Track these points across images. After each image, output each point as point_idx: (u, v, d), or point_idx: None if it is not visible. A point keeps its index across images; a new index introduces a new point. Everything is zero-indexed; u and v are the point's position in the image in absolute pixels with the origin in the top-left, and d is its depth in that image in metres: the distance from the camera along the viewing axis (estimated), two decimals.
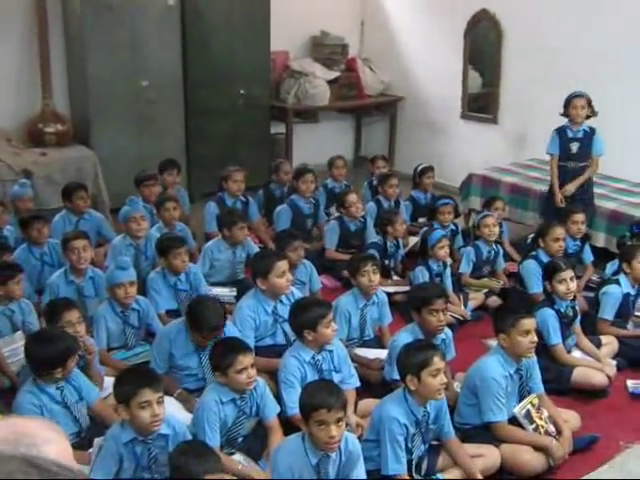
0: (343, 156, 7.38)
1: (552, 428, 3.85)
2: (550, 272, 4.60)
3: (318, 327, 3.80)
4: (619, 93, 6.87)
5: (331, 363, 3.94)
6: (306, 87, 8.50)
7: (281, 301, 4.47)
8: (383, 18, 9.18)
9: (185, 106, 7.77)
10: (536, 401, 3.90)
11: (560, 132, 6.23)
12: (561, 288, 4.53)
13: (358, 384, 4.10)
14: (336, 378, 3.87)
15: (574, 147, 6.20)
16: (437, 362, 3.36)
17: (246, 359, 3.43)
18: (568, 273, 4.55)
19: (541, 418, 3.86)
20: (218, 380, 3.48)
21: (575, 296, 4.72)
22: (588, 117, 6.11)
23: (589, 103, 6.06)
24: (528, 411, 3.84)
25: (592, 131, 6.14)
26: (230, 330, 4.13)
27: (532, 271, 5.35)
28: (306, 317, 3.84)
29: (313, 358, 3.86)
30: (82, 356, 3.96)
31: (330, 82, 8.74)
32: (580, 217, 5.77)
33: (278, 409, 3.72)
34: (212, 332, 3.93)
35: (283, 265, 4.39)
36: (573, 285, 4.58)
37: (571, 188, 6.17)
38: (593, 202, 6.31)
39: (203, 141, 7.90)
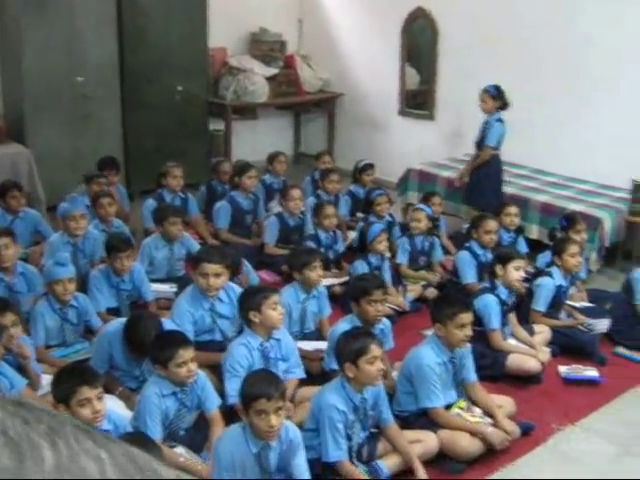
0: (284, 152, 7.44)
1: (488, 420, 3.95)
2: (505, 258, 4.75)
3: (263, 308, 3.83)
4: (550, 89, 7.08)
5: (279, 352, 3.96)
6: (245, 84, 8.50)
7: (219, 298, 4.46)
8: (321, 15, 9.25)
9: (122, 102, 7.69)
10: (464, 404, 4.00)
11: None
12: (516, 274, 4.71)
13: (304, 375, 4.13)
14: (282, 367, 3.91)
15: (478, 136, 6.57)
16: (374, 349, 3.42)
17: (186, 353, 3.44)
18: (522, 261, 4.79)
19: (474, 416, 3.96)
20: (158, 373, 3.48)
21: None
22: (502, 108, 6.42)
23: (493, 96, 6.39)
24: (458, 414, 3.94)
25: (490, 122, 6.45)
26: (168, 326, 4.11)
27: (465, 262, 5.52)
28: (251, 299, 3.87)
29: (261, 345, 3.88)
30: (15, 355, 3.91)
31: (269, 79, 8.75)
32: (513, 210, 5.96)
33: (219, 402, 3.73)
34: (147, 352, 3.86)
35: (207, 268, 4.32)
36: (520, 273, 4.80)
37: (460, 174, 6.77)
38: (496, 190, 6.58)
39: (141, 137, 7.83)
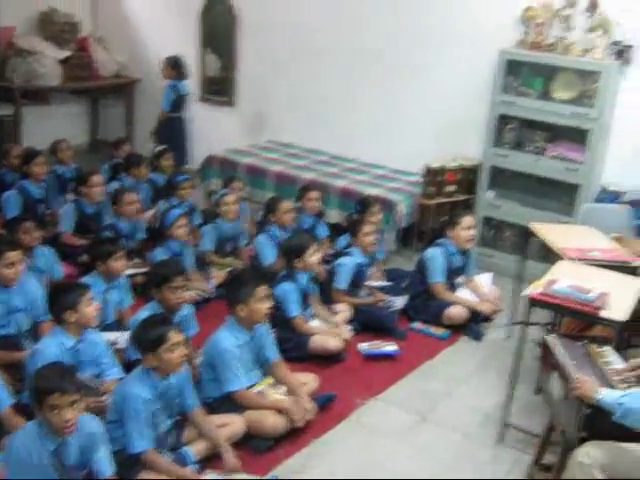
0: (66, 139, 7.10)
1: (291, 398, 4.01)
2: (299, 249, 4.79)
3: (80, 306, 3.66)
4: (346, 75, 7.30)
5: (91, 355, 3.79)
6: (34, 66, 7.99)
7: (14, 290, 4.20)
8: None
9: None
10: (271, 381, 4.06)
11: None
12: (314, 259, 4.80)
13: (122, 375, 3.89)
14: (90, 371, 3.75)
15: None
16: (174, 337, 3.36)
17: None
18: (315, 246, 4.86)
19: (278, 393, 4.00)
20: None
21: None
22: (179, 78, 7.63)
23: (172, 66, 7.61)
24: (262, 391, 3.96)
25: (165, 88, 7.65)
26: None
27: (264, 244, 5.67)
28: (66, 297, 3.67)
29: (73, 348, 3.69)
30: None
31: (61, 62, 8.30)
32: (314, 194, 6.11)
33: (12, 400, 3.50)
34: None
35: (12, 256, 4.11)
36: (318, 256, 4.89)
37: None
38: (179, 149, 7.60)
39: None
